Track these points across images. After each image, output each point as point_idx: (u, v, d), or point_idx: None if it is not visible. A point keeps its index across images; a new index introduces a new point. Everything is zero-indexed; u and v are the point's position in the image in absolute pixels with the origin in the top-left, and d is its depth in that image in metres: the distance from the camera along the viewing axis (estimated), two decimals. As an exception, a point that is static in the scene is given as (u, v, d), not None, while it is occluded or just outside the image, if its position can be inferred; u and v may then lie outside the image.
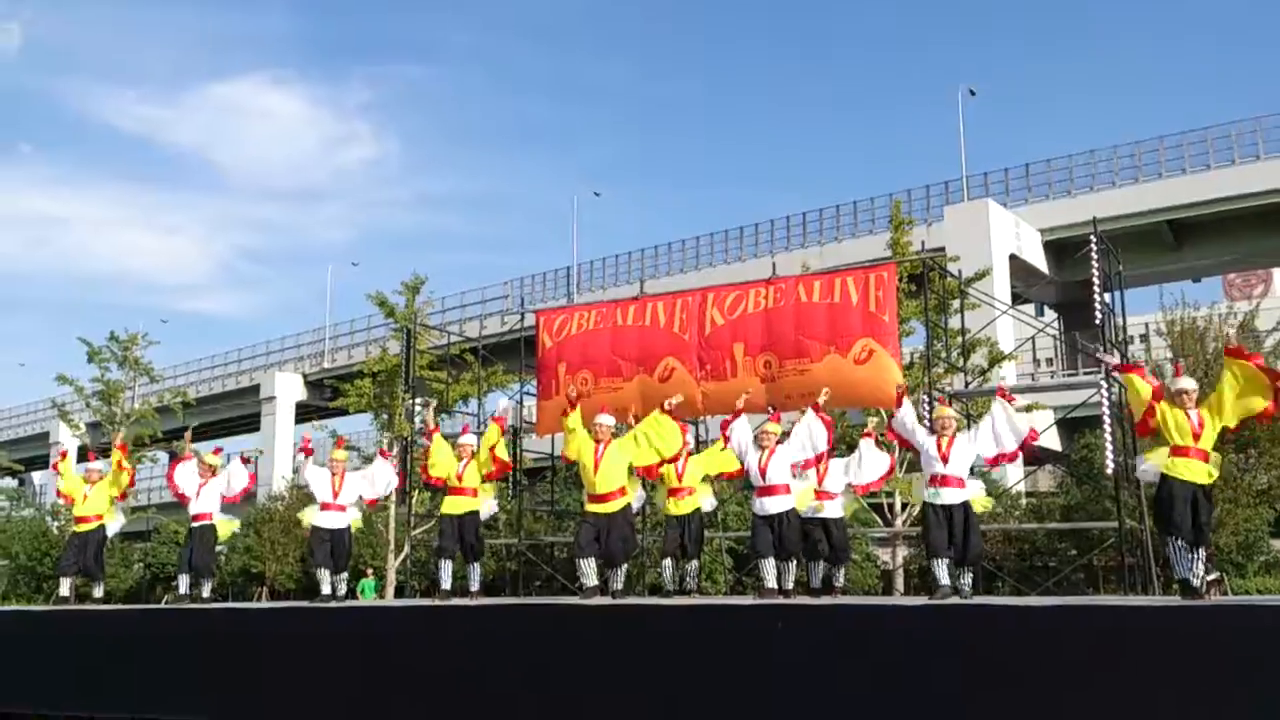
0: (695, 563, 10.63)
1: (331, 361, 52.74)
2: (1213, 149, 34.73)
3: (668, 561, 10.40)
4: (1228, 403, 8.03)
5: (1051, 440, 26.85)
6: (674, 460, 10.26)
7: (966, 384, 17.93)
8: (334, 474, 11.28)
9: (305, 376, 54.38)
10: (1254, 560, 22.64)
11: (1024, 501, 26.51)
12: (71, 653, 10.38)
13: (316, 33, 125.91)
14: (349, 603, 11.93)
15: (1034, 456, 21.97)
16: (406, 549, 24.57)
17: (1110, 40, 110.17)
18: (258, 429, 54.26)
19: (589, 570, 9.83)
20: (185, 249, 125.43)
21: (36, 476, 66.69)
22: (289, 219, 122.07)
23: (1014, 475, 24.44)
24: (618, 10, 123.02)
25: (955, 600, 8.36)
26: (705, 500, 10.65)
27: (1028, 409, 21.82)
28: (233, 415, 57.42)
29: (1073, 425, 25.71)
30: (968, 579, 8.93)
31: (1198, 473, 7.98)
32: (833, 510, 10.44)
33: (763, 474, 9.75)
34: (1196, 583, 7.84)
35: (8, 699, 10.20)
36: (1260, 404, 7.94)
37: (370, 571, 27.72)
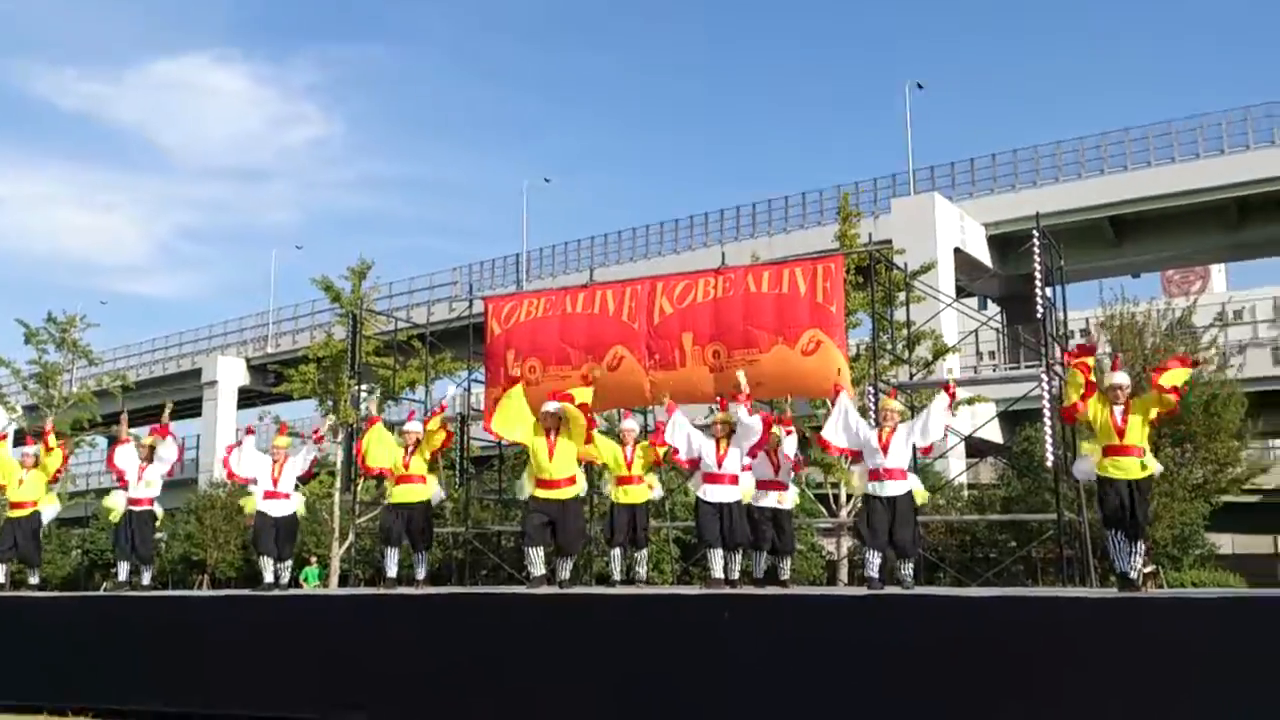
0: (644, 552, 10.61)
1: (275, 346, 52.10)
2: (1153, 147, 35.32)
3: (617, 551, 10.36)
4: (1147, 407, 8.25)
5: (993, 433, 27.24)
6: (588, 440, 10.05)
7: (911, 376, 18.11)
8: (275, 461, 11.13)
9: (248, 361, 53.68)
10: (1189, 553, 23.12)
11: (965, 493, 26.88)
12: (9, 641, 10.21)
13: (262, 11, 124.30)
14: (291, 591, 11.82)
15: (975, 449, 22.27)
16: (351, 537, 24.40)
17: (1056, 37, 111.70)
18: (199, 414, 53.54)
19: (537, 559, 9.78)
20: (125, 229, 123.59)
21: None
22: (232, 199, 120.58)
23: (956, 467, 24.75)
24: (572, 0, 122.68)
25: (897, 591, 8.44)
26: (656, 489, 10.59)
27: (969, 401, 22.18)
28: (173, 400, 56.58)
29: (1014, 418, 26.07)
30: (909, 569, 8.98)
31: (1129, 468, 8.11)
32: (788, 501, 10.46)
33: (719, 463, 9.68)
34: (1134, 575, 8.01)
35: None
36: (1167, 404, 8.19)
37: (314, 560, 27.50)
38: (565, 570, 10.15)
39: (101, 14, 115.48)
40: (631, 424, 10.65)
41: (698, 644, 7.35)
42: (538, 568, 9.77)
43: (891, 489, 8.81)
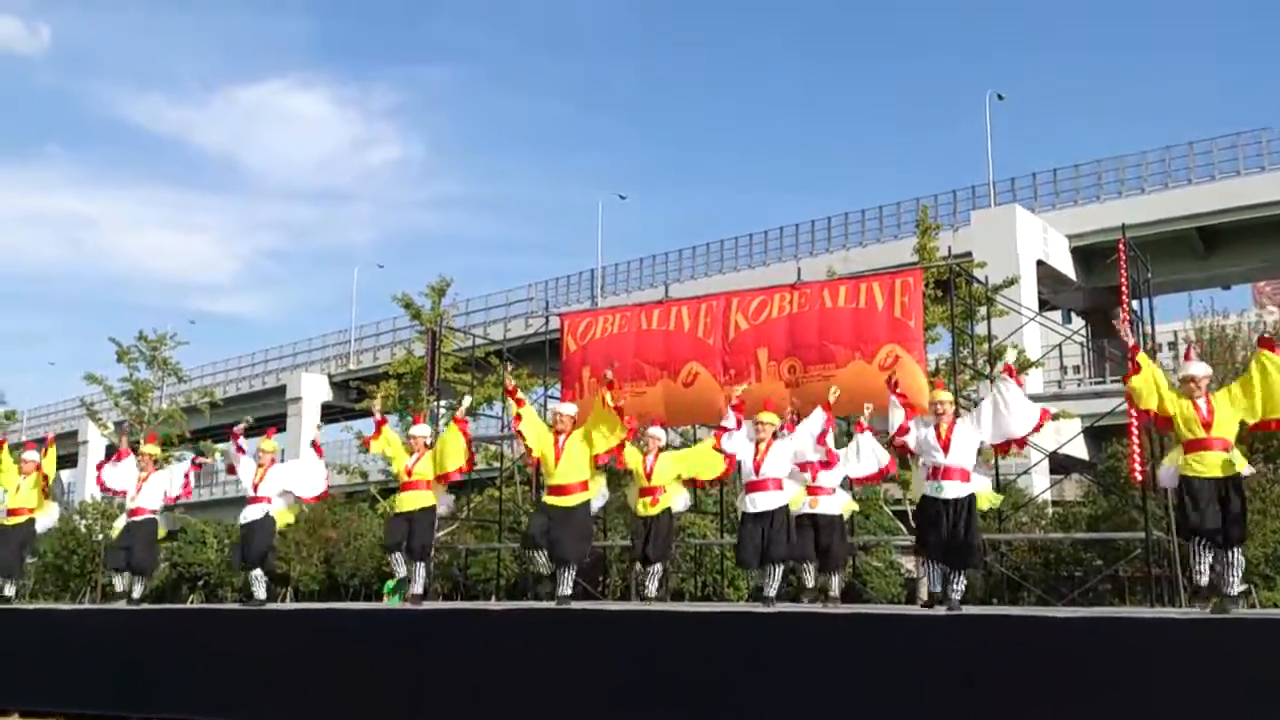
0: (658, 566, 10.02)
1: (357, 363, 52.95)
2: (1242, 155, 34.42)
3: (639, 565, 9.99)
4: (1255, 395, 7.23)
5: (1078, 449, 26.66)
6: (619, 449, 9.46)
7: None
8: (260, 465, 10.76)
9: (331, 378, 54.61)
10: (1284, 573, 22.40)
11: (1050, 511, 26.34)
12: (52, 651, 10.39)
13: (343, 36, 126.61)
14: (322, 604, 11.82)
15: (1060, 465, 21.81)
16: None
17: (1141, 44, 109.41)
18: (284, 429, 54.55)
19: (543, 561, 9.20)
20: (211, 250, 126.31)
21: (65, 475, 67.19)
22: (315, 220, 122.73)
23: (1040, 484, 24.26)
24: (645, 17, 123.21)
25: (959, 611, 7.83)
26: (677, 500, 10.14)
27: (1055, 417, 21.74)
28: (259, 416, 57.79)
29: (1100, 434, 25.48)
30: (961, 585, 8.04)
31: (1214, 465, 7.21)
32: (827, 507, 9.65)
33: (756, 469, 9.14)
34: (1230, 590, 7.12)
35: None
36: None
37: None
38: (565, 584, 9.12)
39: (186, 40, 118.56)
40: (657, 431, 10.22)
41: (737, 662, 7.23)
42: (546, 568, 9.24)
43: (950, 491, 8.07)
